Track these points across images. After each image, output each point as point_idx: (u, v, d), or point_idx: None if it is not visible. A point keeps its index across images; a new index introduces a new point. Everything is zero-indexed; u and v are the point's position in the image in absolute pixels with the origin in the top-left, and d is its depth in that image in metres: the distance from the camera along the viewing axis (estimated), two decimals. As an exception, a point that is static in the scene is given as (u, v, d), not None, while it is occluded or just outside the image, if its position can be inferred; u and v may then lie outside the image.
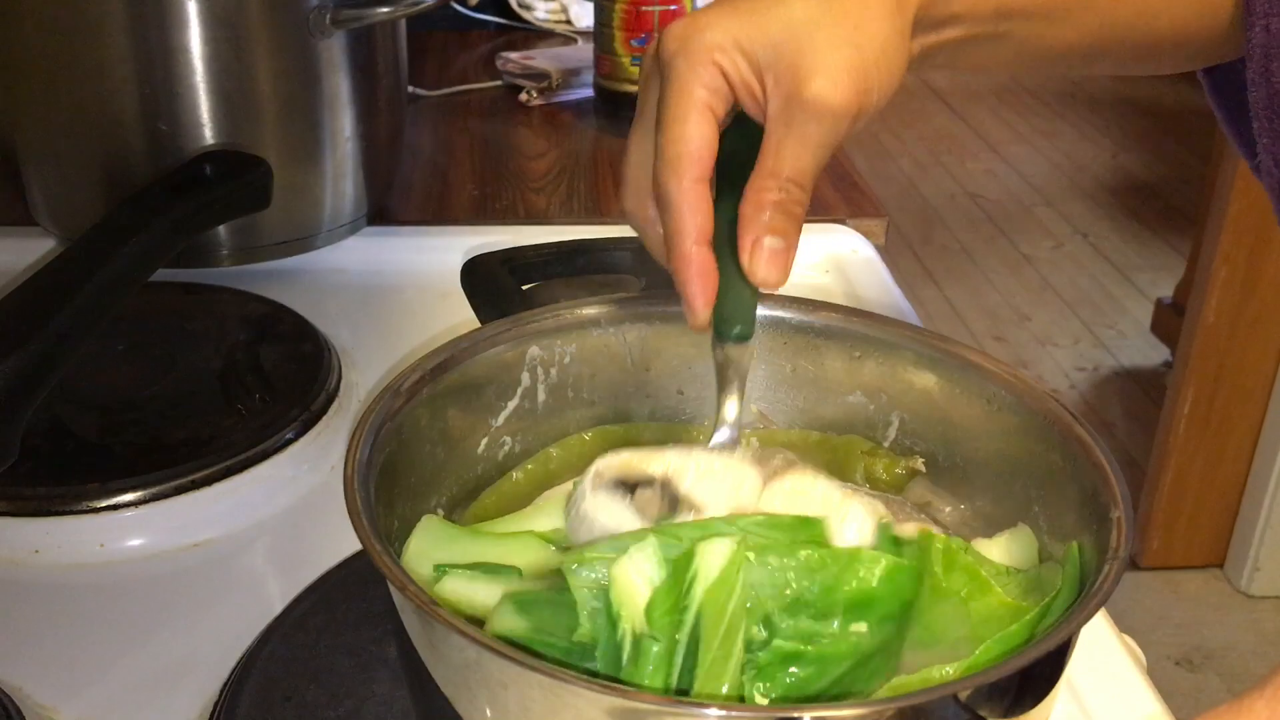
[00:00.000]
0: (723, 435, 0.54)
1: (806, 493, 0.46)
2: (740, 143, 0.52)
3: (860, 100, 0.50)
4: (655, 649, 0.44)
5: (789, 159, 0.50)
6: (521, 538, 0.54)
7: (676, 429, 0.63)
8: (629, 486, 0.49)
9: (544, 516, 0.56)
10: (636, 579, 0.45)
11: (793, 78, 0.50)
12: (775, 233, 0.50)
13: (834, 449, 0.61)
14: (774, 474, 0.47)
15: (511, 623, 0.47)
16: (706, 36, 0.51)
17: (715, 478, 0.46)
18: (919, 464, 0.60)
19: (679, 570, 0.45)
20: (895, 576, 0.47)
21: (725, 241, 0.52)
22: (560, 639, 0.46)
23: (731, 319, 0.53)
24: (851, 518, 0.46)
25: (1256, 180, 0.64)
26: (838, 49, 0.50)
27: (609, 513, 0.50)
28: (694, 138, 0.51)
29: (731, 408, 0.54)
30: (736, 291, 0.52)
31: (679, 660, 0.44)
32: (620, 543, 0.46)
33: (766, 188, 0.50)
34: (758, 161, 0.51)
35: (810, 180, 0.51)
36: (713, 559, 0.44)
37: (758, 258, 0.50)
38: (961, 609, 0.49)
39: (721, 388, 0.54)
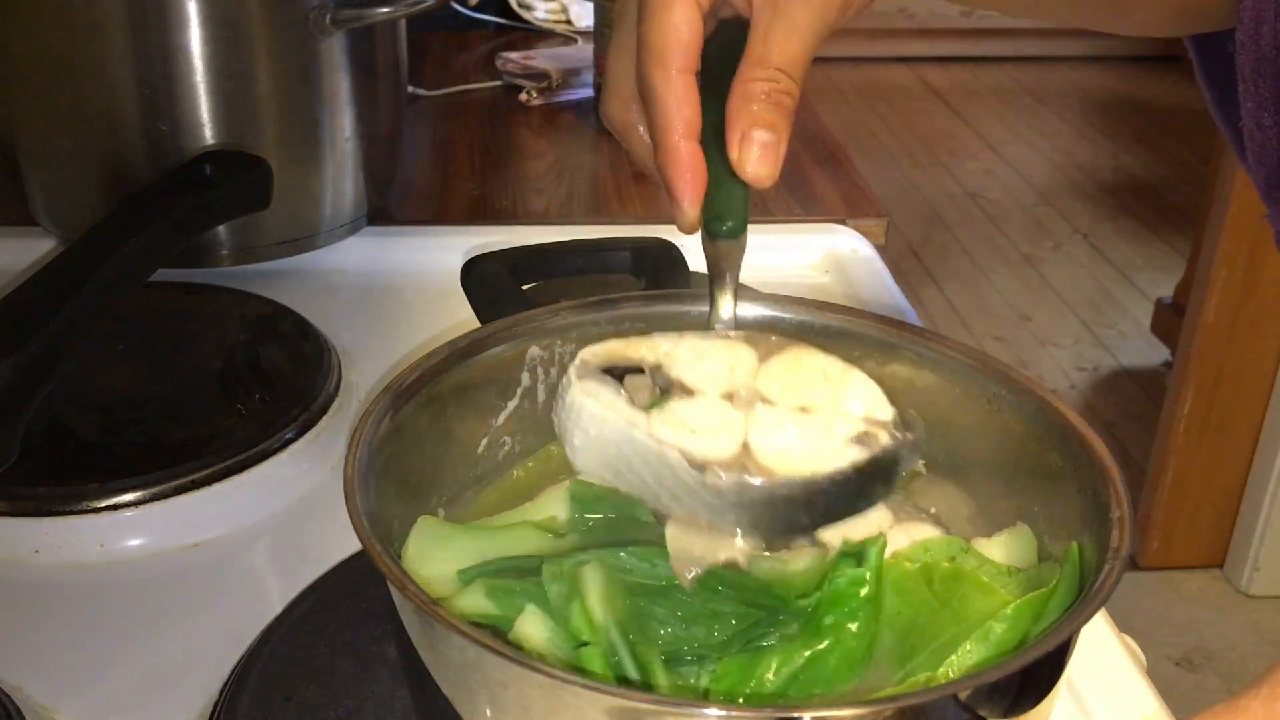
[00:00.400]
0: (719, 321, 0.53)
1: (803, 368, 0.43)
2: (726, 48, 0.50)
3: None
4: (593, 650, 0.45)
5: (777, 46, 0.48)
6: (518, 528, 0.54)
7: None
8: (618, 374, 0.46)
9: (543, 510, 0.56)
10: (537, 640, 0.46)
11: None
12: (764, 125, 0.48)
13: None
14: (770, 352, 0.45)
15: (478, 606, 0.48)
16: None
17: (708, 359, 0.44)
18: (919, 465, 0.60)
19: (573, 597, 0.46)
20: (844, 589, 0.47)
21: (713, 140, 0.50)
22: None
23: (723, 215, 0.51)
24: (853, 389, 0.44)
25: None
26: None
27: (598, 400, 0.48)
28: (679, 25, 0.49)
29: (726, 306, 0.53)
30: (726, 188, 0.50)
31: (620, 648, 0.45)
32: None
33: (754, 77, 0.48)
34: (745, 51, 0.49)
35: (801, 70, 0.49)
36: (591, 582, 0.46)
37: (747, 152, 0.48)
38: (950, 615, 0.49)
39: (714, 284, 0.53)
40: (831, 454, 0.47)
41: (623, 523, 0.55)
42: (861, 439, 0.47)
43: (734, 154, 0.48)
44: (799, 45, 0.48)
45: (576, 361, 0.48)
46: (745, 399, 0.47)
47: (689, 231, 0.51)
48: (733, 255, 0.52)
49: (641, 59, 0.49)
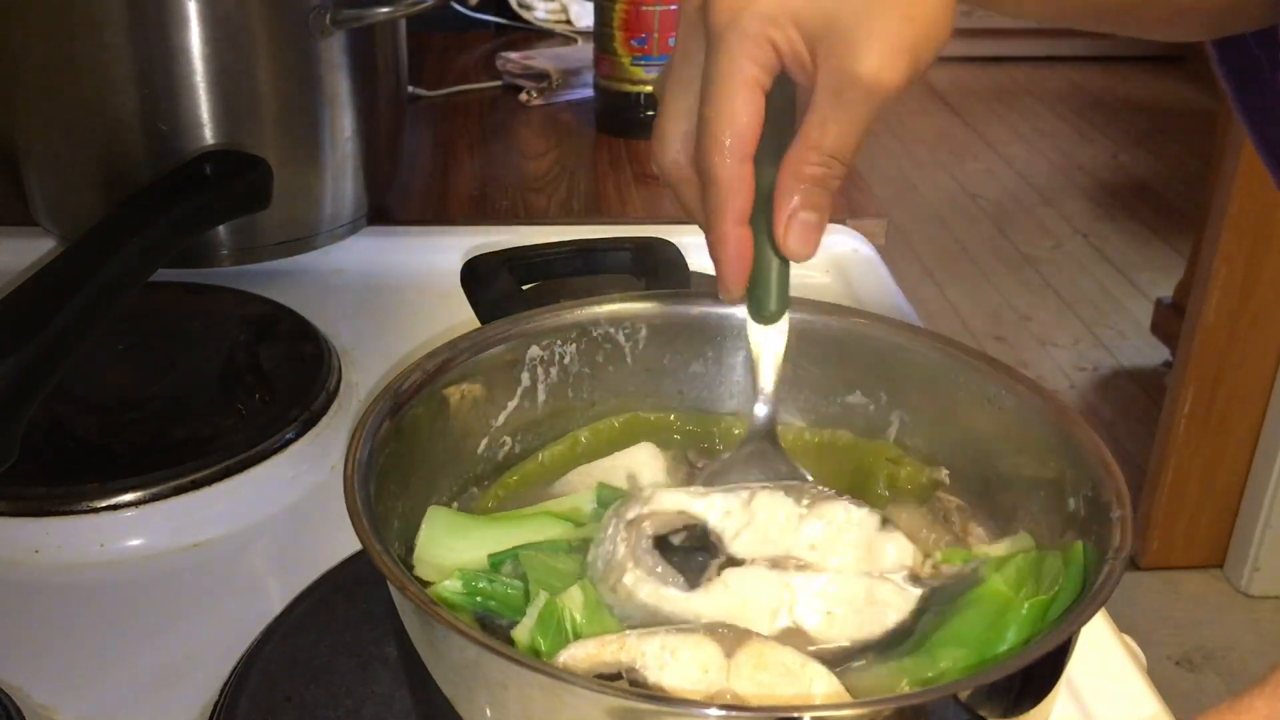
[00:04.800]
0: (760, 413, 0.56)
1: (769, 665, 0.46)
2: (776, 101, 0.51)
3: (910, 77, 0.49)
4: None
5: (833, 134, 0.49)
6: (536, 518, 0.55)
7: (706, 418, 0.63)
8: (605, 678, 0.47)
9: (565, 505, 0.57)
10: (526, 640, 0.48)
11: (845, 52, 0.48)
12: (811, 207, 0.50)
13: (861, 453, 0.61)
14: (732, 646, 0.46)
15: (454, 595, 0.50)
16: (760, 7, 0.49)
17: (680, 659, 0.45)
18: (943, 474, 0.60)
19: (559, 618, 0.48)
20: None
21: (760, 211, 0.52)
22: (497, 611, 0.50)
23: (765, 298, 0.54)
24: (816, 681, 0.46)
25: (1257, 180, 0.64)
26: (891, 23, 0.48)
27: None
28: (743, 115, 0.50)
29: (762, 402, 0.56)
30: (768, 267, 0.53)
31: None
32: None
33: (808, 160, 0.50)
34: (801, 132, 0.50)
35: (851, 156, 0.50)
36: (574, 603, 0.48)
37: (792, 231, 0.51)
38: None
39: (756, 367, 0.56)
40: None
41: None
42: None
43: (780, 232, 0.51)
44: (853, 136, 0.50)
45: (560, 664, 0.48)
46: None
47: (732, 303, 0.55)
48: (773, 341, 0.55)
49: (705, 143, 0.50)
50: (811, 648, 0.48)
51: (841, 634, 0.48)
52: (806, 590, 0.49)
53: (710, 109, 0.50)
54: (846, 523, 0.51)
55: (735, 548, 0.50)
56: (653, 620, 0.49)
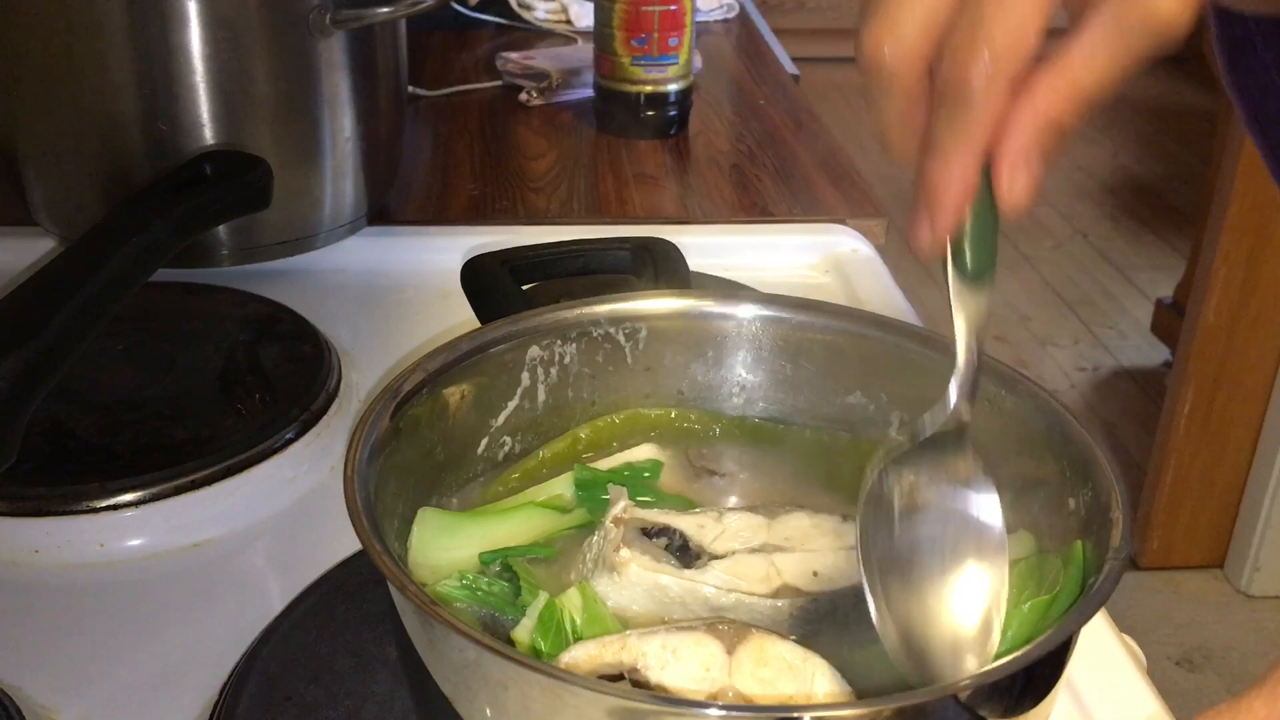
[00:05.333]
0: (952, 396, 0.47)
1: (770, 659, 0.46)
2: None
3: (1190, 23, 0.41)
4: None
5: (1097, 70, 0.41)
6: (522, 510, 0.55)
7: (707, 415, 0.63)
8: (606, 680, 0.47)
9: (548, 492, 0.58)
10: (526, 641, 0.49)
11: None
12: (1042, 151, 0.43)
13: (861, 453, 0.61)
14: (734, 642, 0.47)
15: (453, 594, 0.51)
16: None
17: (682, 658, 0.46)
18: None
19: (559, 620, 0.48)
20: None
21: None
22: (497, 608, 0.51)
23: (974, 251, 0.45)
24: (818, 676, 0.47)
25: (1257, 180, 0.63)
26: None
27: None
28: (1030, 31, 0.41)
29: (965, 357, 0.47)
30: (982, 214, 0.44)
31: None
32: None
33: (1061, 96, 0.42)
34: (1059, 61, 0.42)
35: (1095, 103, 0.42)
36: (573, 605, 0.49)
37: (1019, 174, 0.43)
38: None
39: (956, 336, 0.47)
40: None
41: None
42: None
43: (1005, 175, 0.43)
44: (1114, 76, 0.42)
45: (561, 666, 0.48)
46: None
47: (924, 251, 0.45)
48: (978, 303, 0.46)
49: (971, 46, 0.41)
50: (806, 597, 0.51)
51: (830, 583, 0.51)
52: (789, 561, 0.52)
53: (1001, 20, 0.41)
54: (812, 525, 0.54)
55: (715, 548, 0.52)
56: (652, 599, 0.50)
